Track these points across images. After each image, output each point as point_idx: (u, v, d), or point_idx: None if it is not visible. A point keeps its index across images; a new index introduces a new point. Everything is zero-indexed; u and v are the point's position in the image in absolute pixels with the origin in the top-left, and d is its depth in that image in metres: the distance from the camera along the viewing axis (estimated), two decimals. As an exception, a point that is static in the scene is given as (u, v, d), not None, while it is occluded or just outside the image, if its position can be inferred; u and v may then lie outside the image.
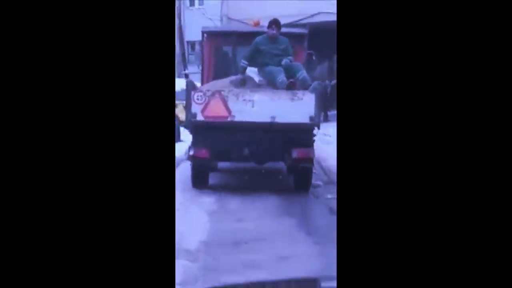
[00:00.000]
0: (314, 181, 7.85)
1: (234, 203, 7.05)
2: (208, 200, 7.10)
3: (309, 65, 8.89)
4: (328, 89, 18.90)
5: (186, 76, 18.95)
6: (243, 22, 19.42)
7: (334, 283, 1.89)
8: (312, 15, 19.01)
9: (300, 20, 19.03)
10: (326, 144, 10.79)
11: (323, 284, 2.26)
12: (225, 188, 7.87)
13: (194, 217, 6.26)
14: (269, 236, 5.67)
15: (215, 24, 20.99)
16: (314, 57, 10.10)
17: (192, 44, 26.80)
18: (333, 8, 16.38)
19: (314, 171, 7.85)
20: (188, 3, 24.57)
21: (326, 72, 20.58)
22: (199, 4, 24.73)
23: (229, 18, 20.15)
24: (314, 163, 7.87)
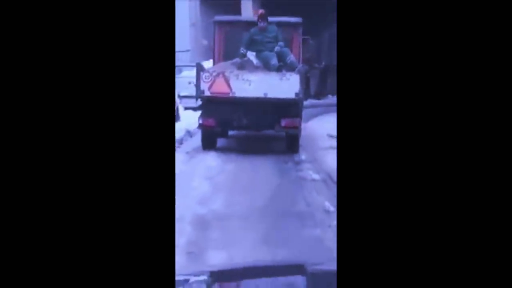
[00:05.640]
0: None
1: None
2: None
3: (305, 49, 10.47)
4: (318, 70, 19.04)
5: None
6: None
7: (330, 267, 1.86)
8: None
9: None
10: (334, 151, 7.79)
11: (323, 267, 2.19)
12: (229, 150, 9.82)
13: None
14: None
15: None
16: (310, 41, 11.44)
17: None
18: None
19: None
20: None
21: (316, 52, 19.57)
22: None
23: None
24: None
